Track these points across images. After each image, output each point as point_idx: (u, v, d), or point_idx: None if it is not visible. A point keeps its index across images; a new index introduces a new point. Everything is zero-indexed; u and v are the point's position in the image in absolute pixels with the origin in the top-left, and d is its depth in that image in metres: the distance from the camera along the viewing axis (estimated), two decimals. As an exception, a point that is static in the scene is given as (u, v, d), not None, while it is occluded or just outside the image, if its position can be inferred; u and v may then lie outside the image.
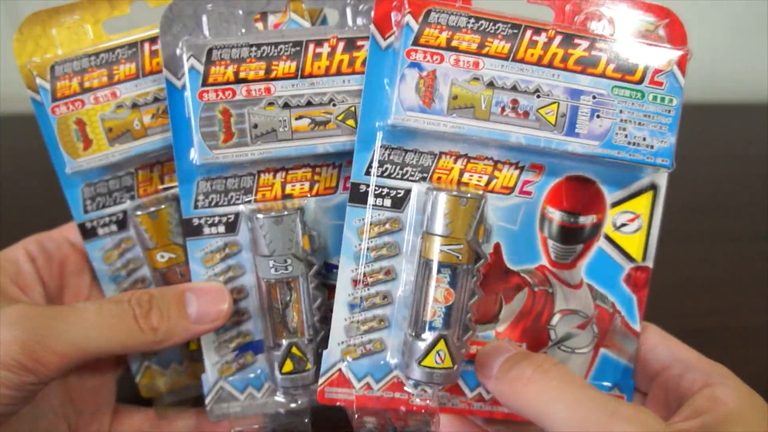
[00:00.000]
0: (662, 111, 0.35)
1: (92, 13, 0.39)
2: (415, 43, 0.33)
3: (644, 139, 0.35)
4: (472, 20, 0.33)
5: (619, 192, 0.37)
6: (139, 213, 0.39)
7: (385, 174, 0.35)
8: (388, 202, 0.36)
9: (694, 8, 0.87)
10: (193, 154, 0.35)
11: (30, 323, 0.33)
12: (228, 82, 0.35)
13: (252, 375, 0.39)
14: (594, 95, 0.34)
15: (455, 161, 0.35)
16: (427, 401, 0.37)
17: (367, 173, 0.35)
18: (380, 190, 0.35)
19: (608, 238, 0.37)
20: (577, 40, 0.34)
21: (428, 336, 0.34)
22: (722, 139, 0.85)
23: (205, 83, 0.35)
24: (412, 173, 0.35)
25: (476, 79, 0.34)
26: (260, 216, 0.36)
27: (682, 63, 0.35)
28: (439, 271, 0.34)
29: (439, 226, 0.34)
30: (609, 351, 0.38)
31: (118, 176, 0.40)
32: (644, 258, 0.38)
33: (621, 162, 0.35)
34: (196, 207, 0.37)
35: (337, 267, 0.37)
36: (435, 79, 0.33)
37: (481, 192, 0.35)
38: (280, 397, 0.39)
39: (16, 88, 0.81)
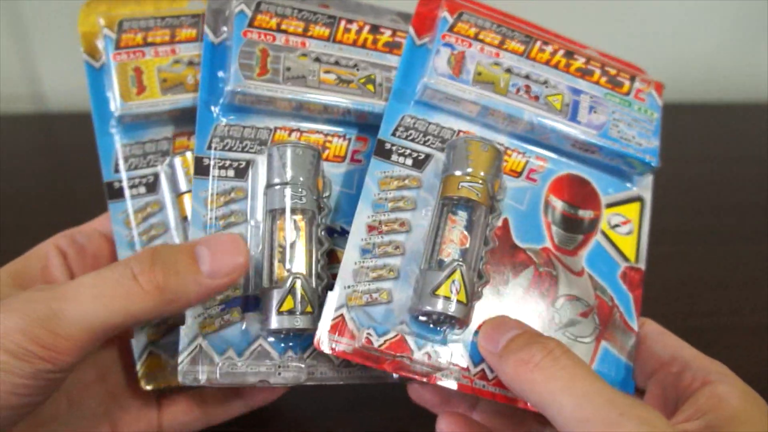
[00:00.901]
0: (646, 119, 0.41)
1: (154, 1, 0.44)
2: (450, 30, 0.40)
3: (634, 137, 0.40)
4: (495, 25, 0.40)
5: (611, 196, 0.41)
6: (179, 154, 0.39)
7: (409, 138, 0.38)
8: (409, 162, 0.38)
9: (695, 8, 0.90)
10: (228, 84, 0.38)
11: (30, 307, 0.29)
12: (270, 29, 0.39)
13: (235, 336, 0.36)
14: (591, 96, 0.40)
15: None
16: (427, 366, 0.35)
17: (394, 134, 0.38)
18: (404, 150, 0.38)
19: (605, 235, 0.40)
20: (576, 56, 0.41)
21: (447, 267, 0.34)
22: (722, 139, 0.84)
23: (251, 25, 0.39)
24: (432, 142, 0.39)
25: (497, 64, 0.39)
26: (282, 145, 0.37)
27: (658, 88, 0.42)
28: (455, 213, 0.36)
29: (461, 166, 0.36)
30: (610, 345, 0.38)
31: (155, 140, 0.40)
32: (637, 260, 0.40)
33: (616, 154, 0.39)
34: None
35: (340, 232, 0.37)
36: (464, 57, 0.39)
37: (498, 145, 0.38)
38: (262, 366, 0.36)
39: (16, 88, 0.81)
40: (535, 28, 0.42)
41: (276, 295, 0.35)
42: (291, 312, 0.35)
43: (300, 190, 0.36)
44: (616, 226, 0.40)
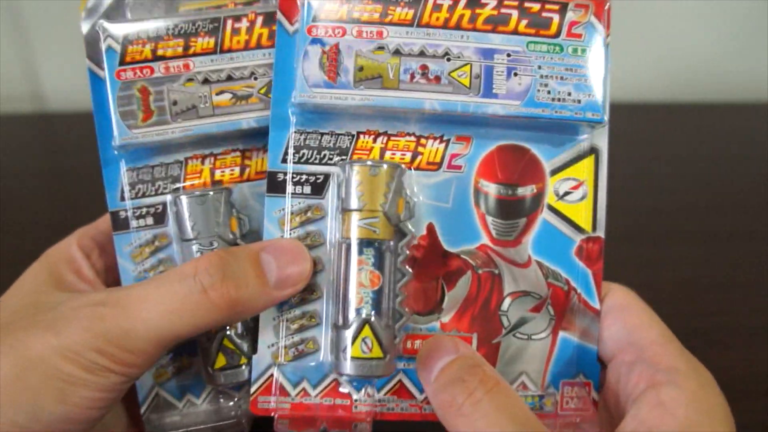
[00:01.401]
0: (585, 63, 0.33)
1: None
2: (316, 19, 0.32)
3: (569, 93, 0.32)
4: (372, -10, 0.32)
5: (557, 158, 0.34)
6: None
7: (303, 160, 0.34)
8: (308, 189, 0.34)
9: (695, 8, 0.87)
10: (114, 139, 0.35)
11: (101, 326, 0.29)
12: (146, 60, 0.34)
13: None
14: (508, 53, 0.32)
15: (374, 140, 0.34)
16: (370, 406, 0.34)
17: (284, 161, 0.34)
18: (298, 177, 0.34)
19: (552, 209, 0.35)
20: (483, 0, 0.32)
21: (353, 324, 0.32)
22: (722, 139, 0.84)
23: (122, 62, 0.34)
24: (331, 156, 0.34)
25: (381, 48, 0.32)
26: (183, 196, 0.34)
27: (599, 12, 0.33)
28: (361, 252, 0.32)
29: (352, 200, 0.32)
30: (569, 334, 0.35)
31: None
32: (594, 228, 0.35)
33: (548, 121, 0.33)
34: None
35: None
36: (338, 52, 0.32)
37: (397, 163, 0.33)
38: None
39: (16, 88, 0.84)
40: (427, -27, 0.33)
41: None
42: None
43: (210, 243, 0.34)
44: (567, 194, 0.35)
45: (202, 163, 0.36)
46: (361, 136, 0.34)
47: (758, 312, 0.54)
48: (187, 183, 0.36)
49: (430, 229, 0.34)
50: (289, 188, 0.34)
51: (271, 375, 0.34)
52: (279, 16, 0.34)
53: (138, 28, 0.35)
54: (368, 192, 0.31)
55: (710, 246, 0.63)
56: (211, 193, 0.34)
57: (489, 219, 0.34)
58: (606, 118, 0.33)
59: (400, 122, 0.34)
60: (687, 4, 0.88)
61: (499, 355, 0.35)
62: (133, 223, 0.35)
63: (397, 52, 0.32)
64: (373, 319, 0.31)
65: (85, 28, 0.35)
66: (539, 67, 0.32)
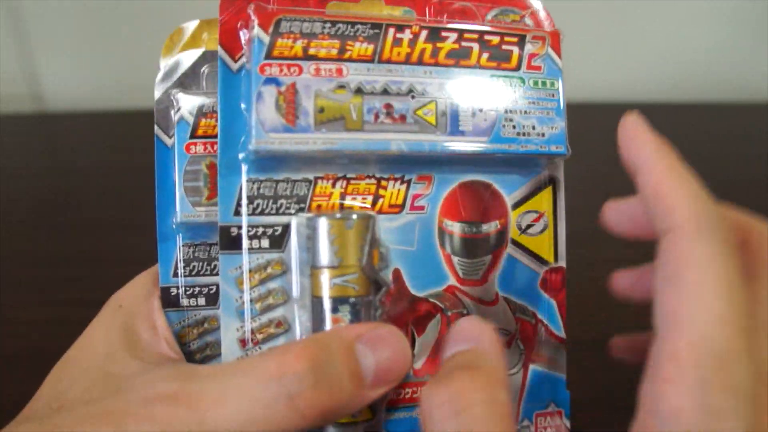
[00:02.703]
0: (546, 96, 0.32)
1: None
2: (269, 56, 0.29)
3: (533, 127, 0.32)
4: (329, 24, 0.30)
5: (518, 191, 0.34)
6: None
7: (258, 211, 0.31)
8: (266, 243, 0.31)
9: (695, 8, 0.89)
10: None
11: (168, 429, 0.25)
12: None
13: None
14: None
15: (333, 185, 0.31)
16: None
17: (237, 213, 0.30)
18: (254, 230, 0.31)
19: (516, 243, 0.34)
20: (444, 33, 0.31)
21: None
22: (722, 139, 0.84)
23: (193, 135, 0.33)
24: (288, 205, 0.31)
25: (342, 87, 0.30)
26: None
27: (555, 44, 0.32)
28: (336, 310, 0.30)
29: (326, 257, 0.29)
30: (538, 366, 0.34)
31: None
32: (556, 258, 0.35)
33: (514, 156, 0.32)
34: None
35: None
36: (296, 93, 0.29)
37: (367, 212, 0.31)
38: None
39: (16, 88, 0.81)
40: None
41: None
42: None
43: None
44: (529, 227, 0.34)
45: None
46: (319, 181, 0.31)
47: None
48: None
49: (396, 274, 0.32)
50: (246, 243, 0.30)
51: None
52: (220, 51, 0.30)
53: (214, 101, 0.32)
54: (343, 247, 0.29)
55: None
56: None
57: (455, 259, 0.33)
58: (568, 149, 0.33)
59: (358, 164, 0.32)
60: (687, 4, 0.88)
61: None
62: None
63: (359, 91, 0.30)
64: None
65: (157, 92, 0.33)
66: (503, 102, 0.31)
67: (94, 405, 0.27)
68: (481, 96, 0.31)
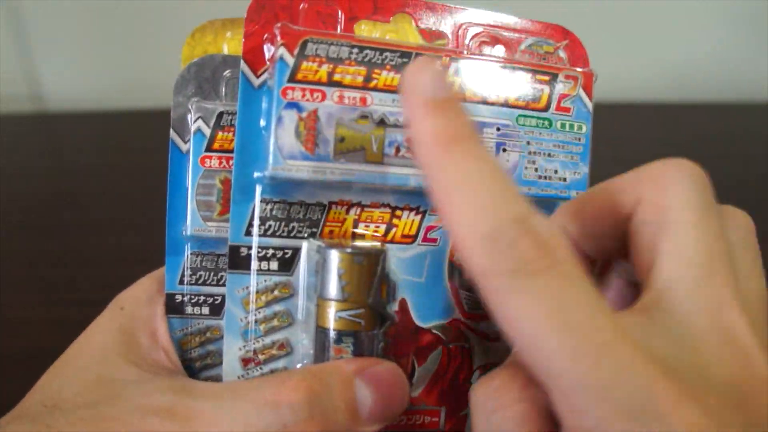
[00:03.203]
0: (572, 139, 0.31)
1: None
2: (292, 79, 0.28)
3: (556, 171, 0.31)
4: (356, 50, 0.29)
5: (532, 229, 0.33)
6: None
7: (269, 233, 0.30)
8: (274, 265, 0.30)
9: (695, 8, 0.88)
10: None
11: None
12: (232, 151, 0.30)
13: None
14: (498, 126, 0.30)
15: (347, 211, 0.31)
16: None
17: (248, 233, 0.30)
18: (264, 252, 0.30)
19: (524, 281, 0.34)
20: (474, 67, 0.30)
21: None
22: (722, 139, 0.84)
23: (209, 149, 0.32)
24: (300, 229, 0.30)
25: (365, 117, 0.29)
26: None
27: (587, 85, 0.32)
28: (339, 341, 0.29)
29: (334, 290, 0.29)
30: (535, 404, 0.35)
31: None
32: (564, 298, 0.34)
33: (532, 199, 0.31)
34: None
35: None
36: (317, 120, 0.29)
37: (380, 245, 0.31)
38: None
39: (16, 88, 0.83)
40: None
41: None
42: None
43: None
44: (539, 265, 0.34)
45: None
46: (333, 206, 0.31)
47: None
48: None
49: (402, 304, 0.32)
50: (254, 264, 0.30)
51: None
52: (243, 66, 0.29)
53: (232, 112, 0.32)
54: (352, 283, 0.29)
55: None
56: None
57: (462, 293, 0.33)
58: (588, 196, 0.32)
59: (374, 192, 0.31)
60: (687, 4, 0.87)
61: (467, 426, 0.34)
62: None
63: (381, 122, 0.29)
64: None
65: (175, 96, 0.33)
66: (528, 143, 0.31)
67: (88, 409, 0.27)
68: (505, 135, 0.30)
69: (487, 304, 0.20)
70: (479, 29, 0.32)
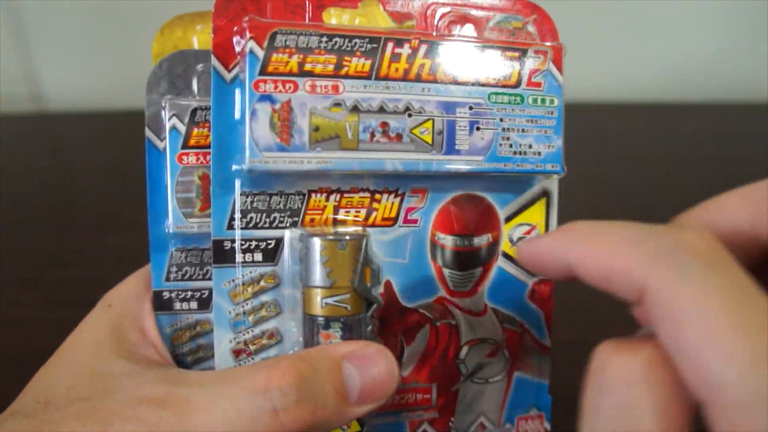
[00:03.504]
0: (544, 113, 0.32)
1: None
2: (263, 72, 0.28)
3: (530, 146, 0.32)
4: (325, 38, 0.29)
5: (511, 204, 0.34)
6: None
7: (251, 225, 0.30)
8: (259, 257, 0.31)
9: (695, 8, 0.88)
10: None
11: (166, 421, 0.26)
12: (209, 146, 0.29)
13: None
14: (470, 105, 0.31)
15: (327, 198, 0.31)
16: None
17: (230, 227, 0.30)
18: (247, 243, 0.31)
19: (507, 256, 0.34)
20: (444, 47, 0.30)
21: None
22: (722, 139, 0.85)
23: (185, 146, 0.32)
24: (282, 219, 0.31)
25: (338, 104, 0.29)
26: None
27: (557, 59, 0.32)
28: (327, 326, 0.30)
29: (318, 277, 0.29)
30: (522, 373, 0.35)
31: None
32: (546, 270, 0.35)
33: (510, 174, 0.32)
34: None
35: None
36: (291, 111, 0.29)
37: (362, 229, 0.31)
38: None
39: (16, 88, 0.83)
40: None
41: None
42: None
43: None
44: (520, 239, 0.34)
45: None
46: (313, 194, 0.31)
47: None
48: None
49: (387, 286, 0.33)
50: (239, 257, 0.30)
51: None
52: (213, 61, 0.29)
53: (206, 107, 0.32)
54: (336, 268, 0.29)
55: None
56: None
57: (446, 272, 0.33)
58: (564, 168, 0.32)
59: (352, 177, 0.31)
60: (687, 4, 0.88)
61: (458, 400, 0.35)
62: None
63: (355, 109, 0.29)
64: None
65: (148, 94, 0.33)
66: (501, 120, 0.31)
67: (81, 403, 0.28)
68: (478, 114, 0.31)
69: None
70: (447, 9, 0.32)
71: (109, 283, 0.34)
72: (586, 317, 0.45)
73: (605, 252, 0.21)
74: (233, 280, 0.31)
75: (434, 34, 0.31)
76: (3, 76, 0.79)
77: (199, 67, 0.33)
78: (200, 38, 0.36)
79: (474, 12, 0.33)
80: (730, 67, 0.94)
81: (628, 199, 0.67)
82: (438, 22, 0.32)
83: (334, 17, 0.34)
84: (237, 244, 0.30)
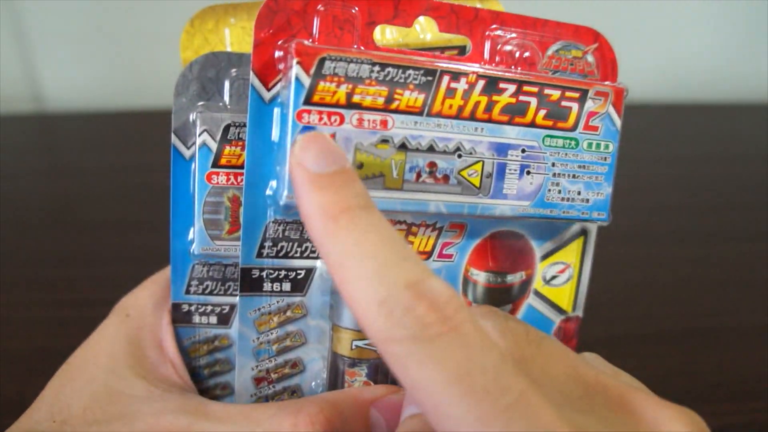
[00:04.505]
0: (598, 159, 0.30)
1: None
2: (308, 101, 0.26)
3: (579, 193, 0.30)
4: (377, 68, 0.27)
5: (549, 243, 0.33)
6: None
7: (281, 254, 0.29)
8: (287, 286, 0.29)
9: (695, 8, 0.85)
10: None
11: None
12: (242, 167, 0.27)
13: None
14: (523, 148, 0.29)
15: (364, 231, 0.30)
16: None
17: (260, 255, 0.29)
18: (276, 273, 0.29)
19: (538, 294, 0.33)
20: (502, 84, 0.28)
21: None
22: (722, 139, 0.84)
23: (216, 165, 0.30)
24: (314, 249, 0.29)
25: (385, 141, 0.27)
26: None
27: (617, 102, 0.30)
28: (354, 365, 0.29)
29: (349, 319, 0.28)
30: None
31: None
32: (574, 308, 0.34)
33: (554, 221, 0.30)
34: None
35: None
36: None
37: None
38: None
39: (16, 88, 0.81)
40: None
41: None
42: None
43: None
44: (553, 278, 0.33)
45: None
46: (349, 225, 0.29)
47: (758, 312, 0.55)
48: None
49: (416, 319, 0.32)
50: (267, 286, 0.29)
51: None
52: (252, 78, 0.27)
53: (240, 122, 0.30)
54: (370, 314, 0.28)
55: (710, 246, 0.63)
56: None
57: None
58: (610, 217, 0.31)
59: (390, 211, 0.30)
60: (687, 4, 0.85)
61: None
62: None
63: (402, 147, 0.28)
64: (366, 436, 0.29)
65: (176, 99, 0.30)
66: (553, 165, 0.29)
67: (99, 427, 0.27)
68: (530, 158, 0.29)
69: (391, 372, 0.20)
70: (506, 34, 0.30)
71: (110, 282, 0.33)
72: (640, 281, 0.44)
73: None
74: (259, 308, 0.29)
75: (493, 66, 0.29)
76: (3, 77, 0.78)
77: (233, 72, 0.31)
78: (233, 32, 0.33)
79: (533, 38, 0.30)
80: (730, 67, 0.93)
81: (626, 198, 0.66)
82: (496, 47, 0.30)
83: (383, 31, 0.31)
84: (265, 273, 0.29)
